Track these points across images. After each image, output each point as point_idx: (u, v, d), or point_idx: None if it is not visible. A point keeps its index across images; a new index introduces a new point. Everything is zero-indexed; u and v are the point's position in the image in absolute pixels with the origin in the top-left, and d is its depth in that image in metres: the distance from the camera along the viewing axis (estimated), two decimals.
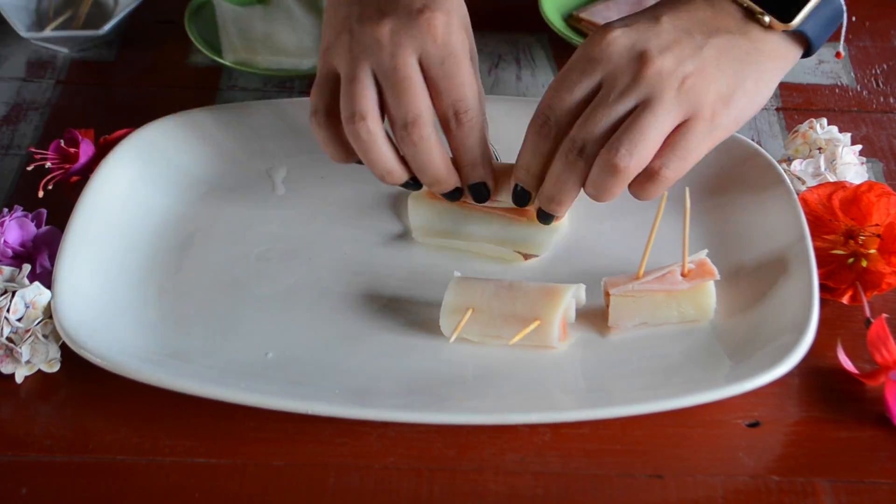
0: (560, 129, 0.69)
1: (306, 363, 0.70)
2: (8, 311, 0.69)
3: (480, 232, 0.78)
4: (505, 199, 0.74)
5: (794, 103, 0.93)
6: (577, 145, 0.68)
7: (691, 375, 0.68)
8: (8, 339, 0.69)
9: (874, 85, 0.95)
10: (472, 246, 0.77)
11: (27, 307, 0.70)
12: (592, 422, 0.67)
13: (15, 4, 0.99)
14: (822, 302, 0.70)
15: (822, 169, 0.80)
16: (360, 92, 0.70)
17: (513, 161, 0.72)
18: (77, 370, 0.70)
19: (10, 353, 0.69)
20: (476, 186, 0.73)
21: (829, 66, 0.97)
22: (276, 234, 0.79)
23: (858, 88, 0.94)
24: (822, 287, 0.72)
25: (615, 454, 0.66)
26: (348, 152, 0.73)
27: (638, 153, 0.66)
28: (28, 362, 0.70)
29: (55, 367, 0.70)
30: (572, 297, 0.71)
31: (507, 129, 0.78)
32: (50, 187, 0.82)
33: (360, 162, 0.73)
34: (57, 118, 0.91)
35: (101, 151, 0.83)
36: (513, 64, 0.97)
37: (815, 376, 0.71)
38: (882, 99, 0.93)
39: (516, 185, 0.72)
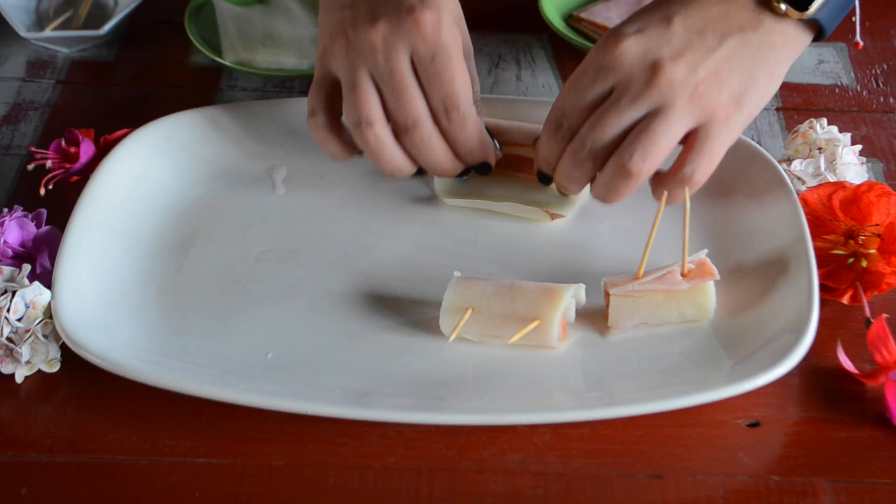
0: (573, 132, 0.71)
1: (306, 363, 0.70)
2: (8, 311, 0.69)
3: (505, 194, 0.80)
4: (521, 173, 0.80)
5: (794, 103, 0.93)
6: (587, 147, 0.69)
7: (691, 375, 0.68)
8: (8, 339, 0.69)
9: (874, 85, 0.95)
10: (500, 206, 0.79)
11: (27, 307, 0.70)
12: (592, 422, 0.67)
13: (15, 4, 0.99)
14: (822, 302, 0.70)
15: (822, 169, 0.80)
16: (363, 98, 0.72)
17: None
18: (77, 370, 0.70)
19: (10, 353, 0.69)
20: (479, 166, 0.77)
21: (829, 66, 0.97)
22: (276, 234, 0.79)
23: (858, 88, 0.94)
24: (822, 287, 0.72)
25: (615, 454, 0.66)
26: (347, 150, 0.77)
27: (650, 158, 0.68)
28: (28, 362, 0.70)
29: (55, 367, 0.70)
30: (572, 296, 0.71)
31: None
32: (50, 187, 0.82)
33: (359, 154, 0.77)
34: (57, 118, 0.91)
35: (102, 151, 0.83)
36: (513, 64, 0.97)
37: (815, 376, 0.71)
38: (882, 99, 0.93)
39: (539, 170, 0.76)
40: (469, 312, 0.70)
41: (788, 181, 0.78)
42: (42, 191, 0.81)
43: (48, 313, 0.70)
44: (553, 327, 0.69)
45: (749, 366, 0.66)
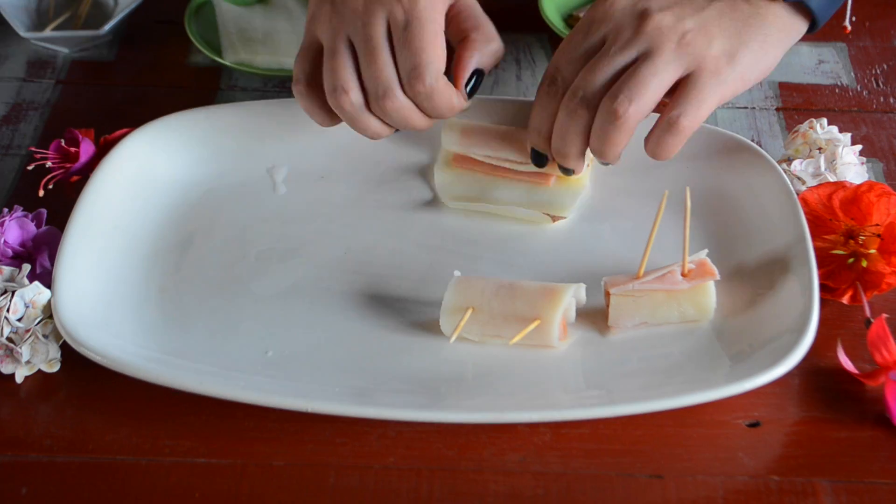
0: (567, 87, 0.72)
1: (306, 362, 0.70)
2: (8, 311, 0.69)
3: (507, 197, 0.80)
4: (523, 156, 0.78)
5: (794, 103, 0.93)
6: (578, 94, 0.71)
7: (691, 375, 0.68)
8: (8, 339, 0.69)
9: (874, 85, 0.95)
10: (502, 209, 0.79)
11: (27, 307, 0.70)
12: (592, 422, 0.67)
13: (15, 4, 0.99)
14: (822, 302, 0.70)
15: (822, 169, 0.80)
16: (340, 64, 0.73)
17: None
18: (77, 370, 0.70)
19: (10, 353, 0.69)
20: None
21: (830, 66, 0.97)
22: (276, 234, 0.79)
23: (858, 88, 0.94)
24: (822, 287, 0.72)
25: (615, 454, 0.66)
26: (332, 117, 0.77)
27: (637, 100, 0.69)
28: (28, 362, 0.70)
29: (55, 367, 0.70)
30: (572, 296, 0.71)
31: None
32: (50, 187, 0.82)
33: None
34: (57, 118, 0.91)
35: (102, 151, 0.83)
36: (513, 64, 0.97)
37: (815, 376, 0.71)
38: (882, 99, 0.93)
39: (532, 149, 0.76)
40: (469, 312, 0.70)
41: (788, 181, 0.78)
42: (42, 191, 0.81)
43: (48, 313, 0.70)
44: (553, 327, 0.69)
45: (749, 366, 0.66)
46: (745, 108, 0.92)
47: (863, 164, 0.82)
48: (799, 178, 0.80)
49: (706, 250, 0.73)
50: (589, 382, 0.69)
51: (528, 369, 0.70)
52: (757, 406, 0.68)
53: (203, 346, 0.71)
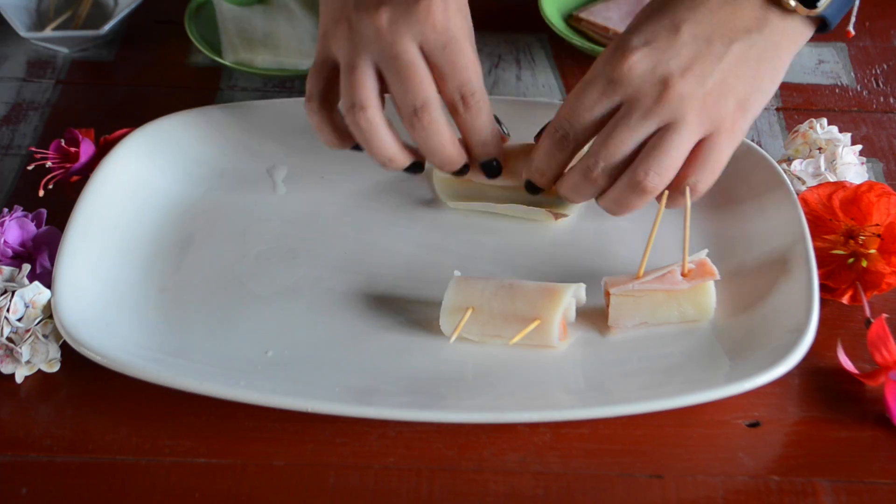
0: (578, 143, 0.71)
1: (306, 362, 0.70)
2: (8, 311, 0.69)
3: (507, 196, 0.79)
4: (515, 181, 0.77)
5: (794, 103, 0.93)
6: (600, 165, 0.70)
7: (691, 375, 0.68)
8: (8, 339, 0.69)
9: (874, 85, 0.95)
10: (504, 208, 0.79)
11: (27, 307, 0.70)
12: (592, 422, 0.67)
13: (15, 4, 0.99)
14: (822, 302, 0.70)
15: (822, 169, 0.80)
16: (360, 82, 0.71)
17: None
18: (77, 370, 0.70)
19: (10, 353, 0.69)
20: (487, 164, 0.76)
21: (830, 66, 0.97)
22: (276, 234, 0.79)
23: (858, 88, 0.94)
24: (822, 287, 0.72)
25: (615, 454, 0.66)
26: (342, 138, 0.76)
27: (664, 173, 0.68)
28: (28, 362, 0.70)
29: (55, 367, 0.70)
30: (572, 296, 0.71)
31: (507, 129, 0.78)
32: (50, 187, 0.82)
33: (355, 148, 0.76)
34: (57, 118, 0.91)
35: (102, 151, 0.83)
36: (513, 64, 0.97)
37: (815, 376, 0.71)
38: (882, 99, 0.93)
39: (528, 181, 0.75)
40: (469, 312, 0.70)
41: (788, 181, 0.78)
42: (42, 191, 0.81)
43: (48, 313, 0.70)
44: (553, 327, 0.69)
45: (749, 366, 0.66)
46: None
47: (863, 164, 0.82)
48: (799, 178, 0.80)
49: (706, 250, 0.73)
50: (589, 382, 0.69)
51: (528, 369, 0.70)
52: (757, 406, 0.68)
53: (203, 346, 0.71)
